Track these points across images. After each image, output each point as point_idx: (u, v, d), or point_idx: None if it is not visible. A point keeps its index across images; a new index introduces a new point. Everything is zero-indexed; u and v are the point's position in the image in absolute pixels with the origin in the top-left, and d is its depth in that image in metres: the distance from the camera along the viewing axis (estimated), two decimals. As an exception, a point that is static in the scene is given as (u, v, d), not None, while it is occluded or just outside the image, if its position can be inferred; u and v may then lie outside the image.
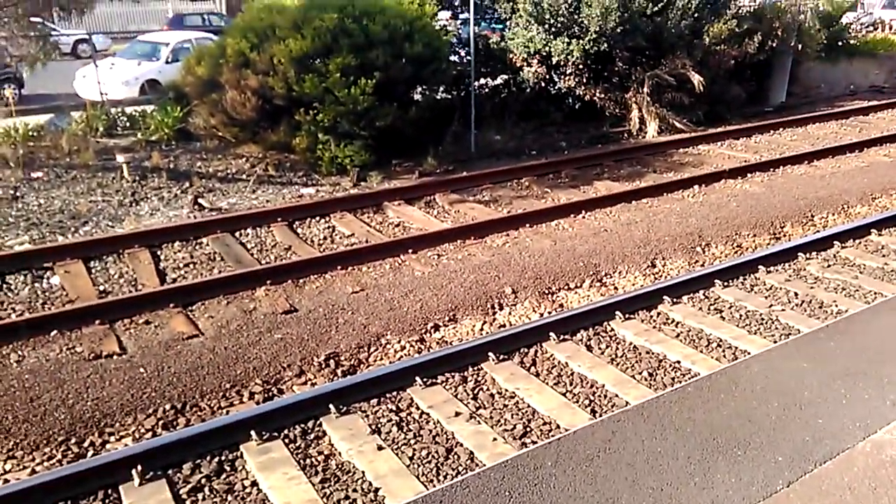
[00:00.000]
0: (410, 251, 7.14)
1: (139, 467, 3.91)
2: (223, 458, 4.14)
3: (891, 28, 24.02)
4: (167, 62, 14.93)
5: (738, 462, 3.06)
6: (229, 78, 9.76)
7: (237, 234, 7.75)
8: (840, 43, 16.97)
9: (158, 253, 7.24)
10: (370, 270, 6.78)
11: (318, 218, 8.24)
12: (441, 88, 11.68)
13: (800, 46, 14.07)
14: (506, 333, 5.37)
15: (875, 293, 5.94)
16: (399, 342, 5.59)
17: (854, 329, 4.38)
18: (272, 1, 10.62)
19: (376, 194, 8.96)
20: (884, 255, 6.79)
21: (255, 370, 5.12)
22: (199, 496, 3.86)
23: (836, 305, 5.78)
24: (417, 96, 10.96)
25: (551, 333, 5.39)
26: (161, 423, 4.56)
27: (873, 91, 15.85)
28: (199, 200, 8.62)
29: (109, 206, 8.46)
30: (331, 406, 4.49)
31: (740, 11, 13.09)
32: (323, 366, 5.24)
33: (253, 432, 4.24)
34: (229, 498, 3.85)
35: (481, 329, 5.85)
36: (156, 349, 5.30)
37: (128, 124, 11.26)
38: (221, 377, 5.02)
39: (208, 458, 4.12)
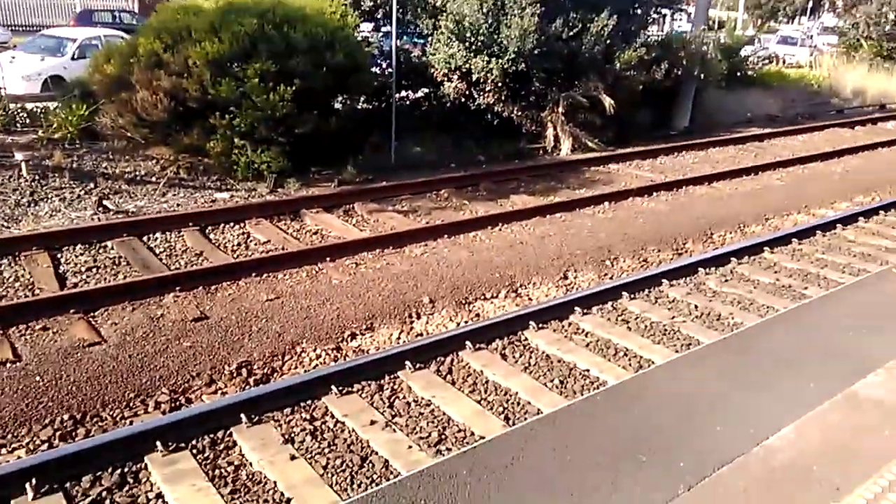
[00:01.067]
0: (328, 259, 7.07)
1: (33, 481, 3.68)
2: (126, 470, 3.96)
3: (784, 62, 25.95)
4: (73, 58, 14.20)
5: (643, 468, 3.20)
6: (141, 78, 9.39)
7: (145, 238, 7.44)
8: (739, 74, 18.19)
9: (59, 256, 6.86)
10: (286, 278, 6.67)
11: (232, 224, 8.04)
12: (362, 99, 11.67)
13: (703, 75, 14.96)
14: (423, 342, 5.41)
15: (768, 307, 6.36)
16: (315, 350, 5.52)
17: (749, 341, 4.68)
18: (188, 2, 10.32)
19: (294, 201, 8.82)
20: (776, 272, 7.28)
21: (161, 379, 4.93)
22: (99, 511, 3.68)
23: (733, 318, 6.15)
24: (338, 105, 10.91)
25: (467, 342, 5.46)
26: (58, 434, 4.31)
27: (768, 119, 17.01)
28: (105, 202, 8.23)
29: (6, 206, 7.94)
30: (242, 416, 4.38)
31: (649, 40, 13.80)
32: (234, 374, 5.10)
33: (158, 443, 4.07)
34: (132, 512, 3.68)
35: (398, 338, 5.86)
36: (53, 357, 5.00)
37: (28, 121, 10.61)
38: (125, 386, 4.80)
39: (109, 470, 3.93)
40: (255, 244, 7.61)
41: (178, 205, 8.57)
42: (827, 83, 21.31)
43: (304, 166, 9.98)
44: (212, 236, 7.73)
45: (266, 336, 5.59)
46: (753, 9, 54.17)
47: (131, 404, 4.68)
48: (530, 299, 6.72)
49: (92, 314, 5.69)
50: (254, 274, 6.63)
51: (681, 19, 20.97)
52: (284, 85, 9.09)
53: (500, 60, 11.29)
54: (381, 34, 12.95)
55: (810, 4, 38.67)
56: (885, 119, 17.94)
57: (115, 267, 6.74)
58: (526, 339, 5.74)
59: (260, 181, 9.46)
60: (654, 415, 3.65)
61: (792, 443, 3.35)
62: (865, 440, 3.33)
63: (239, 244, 7.58)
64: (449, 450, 4.13)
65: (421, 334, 5.90)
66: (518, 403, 4.81)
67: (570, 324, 6.03)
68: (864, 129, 16.47)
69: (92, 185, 8.72)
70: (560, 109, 12.30)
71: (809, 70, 23.58)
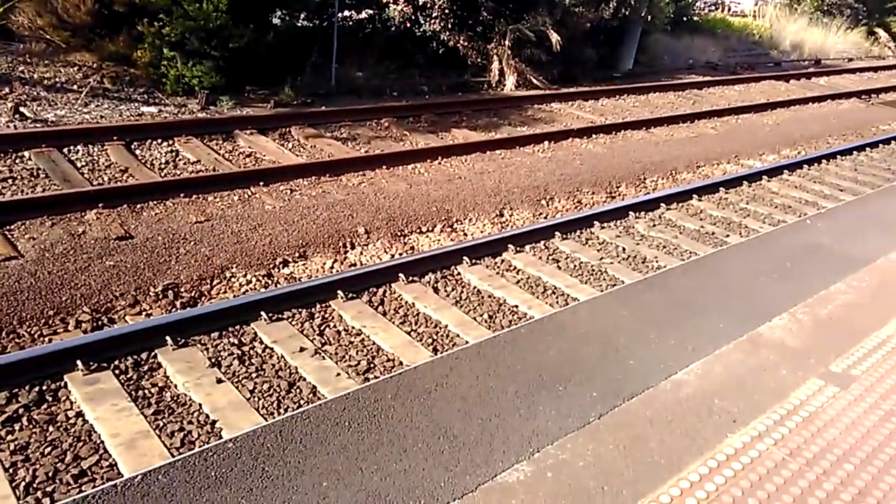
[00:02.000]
0: (261, 184, 6.90)
1: (-58, 398, 3.56)
2: (44, 388, 3.88)
3: (729, 10, 26.19)
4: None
5: (559, 397, 3.36)
6: (61, -26, 8.71)
7: (65, 150, 7.06)
8: (685, 18, 18.28)
9: (-32, 164, 6.44)
10: (217, 201, 6.49)
11: (160, 140, 7.70)
12: (303, 15, 11.17)
13: (650, 17, 14.96)
14: (356, 272, 5.41)
15: (690, 252, 6.63)
16: (245, 276, 5.45)
17: (668, 283, 4.89)
18: None
19: (227, 120, 8.50)
20: (701, 219, 7.56)
21: (83, 298, 4.78)
22: (16, 426, 3.61)
23: (657, 261, 6.39)
24: (277, 20, 10.42)
25: (400, 274, 5.50)
26: (-31, 351, 4.16)
27: (708, 67, 17.25)
28: (21, 109, 7.72)
29: None
30: (167, 338, 4.32)
31: (600, -24, 13.63)
32: (160, 297, 5.00)
33: (79, 362, 3.99)
34: (51, 429, 3.63)
35: (332, 267, 5.84)
36: (-36, 271, 4.77)
37: (-69, 13, 9.72)
38: (44, 303, 4.64)
39: (27, 388, 3.84)
40: (185, 163, 7.34)
41: (101, 116, 8.13)
42: (768, 34, 21.69)
43: (239, 84, 9.58)
44: (138, 152, 7.40)
45: (194, 259, 5.47)
46: (705, -47, 54.09)
47: (50, 322, 4.54)
48: (465, 235, 6.78)
49: (7, 227, 5.42)
50: (182, 195, 6.42)
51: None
52: (220, -6, 8.60)
53: (449, -14, 10.98)
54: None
55: (760, -47, 38.87)
56: (819, 74, 18.48)
57: (32, 179, 6.40)
58: (459, 273, 5.82)
59: (191, 97, 9.05)
60: (574, 348, 3.81)
61: (698, 377, 3.57)
62: (764, 378, 3.58)
63: (167, 162, 7.29)
64: (377, 377, 4.21)
65: (354, 265, 5.90)
66: (447, 336, 4.91)
67: (502, 261, 6.14)
68: (798, 83, 16.94)
69: (7, 90, 8.14)
70: (507, 42, 12.13)
71: (753, 20, 23.89)
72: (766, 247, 5.74)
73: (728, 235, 7.11)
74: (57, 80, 8.81)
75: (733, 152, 10.22)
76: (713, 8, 22.24)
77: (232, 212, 6.31)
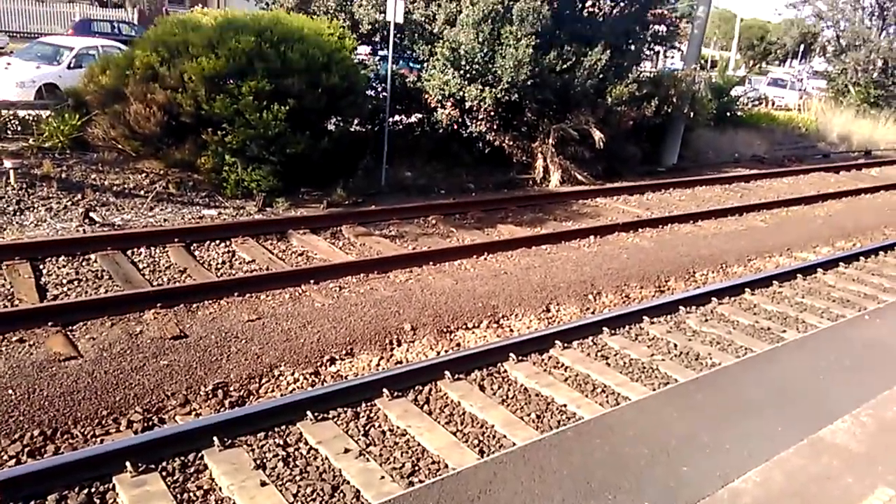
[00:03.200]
0: (312, 282, 7.08)
1: (-3, 498, 3.64)
2: (93, 489, 3.92)
3: (773, 104, 26.42)
4: (69, 67, 14.20)
5: (610, 505, 3.23)
6: (135, 90, 9.44)
7: (129, 252, 7.43)
8: (728, 114, 18.49)
9: (41, 267, 6.83)
10: (269, 299, 6.67)
11: (218, 241, 8.04)
12: (356, 121, 11.77)
13: (692, 114, 15.21)
14: (402, 370, 5.41)
15: (746, 348, 6.42)
16: (293, 374, 5.51)
17: (722, 382, 4.72)
18: (187, 17, 10.42)
19: (281, 221, 8.85)
20: (755, 314, 7.36)
21: (136, 397, 4.90)
22: (63, 530, 3.64)
23: (711, 358, 6.20)
24: (331, 126, 10.99)
25: (446, 372, 5.47)
26: (27, 449, 4.26)
27: (755, 160, 17.26)
28: (91, 214, 8.22)
29: (-11, 213, 7.92)
30: (214, 438, 4.35)
31: (641, 76, 14.06)
32: (210, 396, 5.08)
33: (128, 463, 4.04)
34: (96, 533, 3.64)
35: (378, 364, 5.86)
36: (28, 370, 4.96)
37: (19, 128, 10.61)
38: (98, 403, 4.77)
39: (76, 489, 3.89)
40: (240, 263, 7.61)
41: (164, 220, 8.58)
42: (814, 127, 21.70)
43: (295, 186, 10.02)
44: (197, 253, 7.73)
45: (245, 357, 5.58)
46: (746, 49, 55.28)
47: (103, 422, 4.64)
48: (511, 331, 6.74)
49: (70, 328, 5.66)
50: (236, 293, 6.63)
51: (673, 57, 21.33)
52: (279, 104, 9.17)
53: (494, 90, 11.44)
54: (377, 58, 13.10)
55: (801, 48, 39.53)
56: (870, 165, 18.25)
57: (97, 280, 6.72)
58: (505, 370, 5.76)
59: (249, 199, 9.49)
60: (624, 451, 3.68)
61: (756, 485, 3.39)
62: (828, 486, 3.37)
63: (224, 262, 7.58)
64: (422, 481, 4.12)
65: (400, 362, 5.90)
66: (493, 436, 4.81)
67: (550, 357, 6.06)
68: (848, 174, 16.74)
69: (79, 197, 8.71)
70: (551, 141, 12.45)
71: (798, 113, 24.01)
72: (825, 343, 5.53)
73: (784, 331, 6.88)
74: (126, 186, 9.39)
75: (785, 245, 10.04)
76: (757, 103, 22.47)
77: (283, 309, 6.45)
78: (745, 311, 7.44)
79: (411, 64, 13.77)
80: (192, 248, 7.81)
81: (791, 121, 22.04)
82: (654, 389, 5.42)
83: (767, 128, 19.99)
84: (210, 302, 6.44)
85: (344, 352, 5.92)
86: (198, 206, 9.21)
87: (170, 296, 6.34)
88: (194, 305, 6.33)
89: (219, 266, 7.47)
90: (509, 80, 11.30)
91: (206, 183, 9.70)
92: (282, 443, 4.51)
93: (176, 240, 7.80)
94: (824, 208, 12.66)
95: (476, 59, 11.42)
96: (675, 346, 6.44)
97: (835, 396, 4.37)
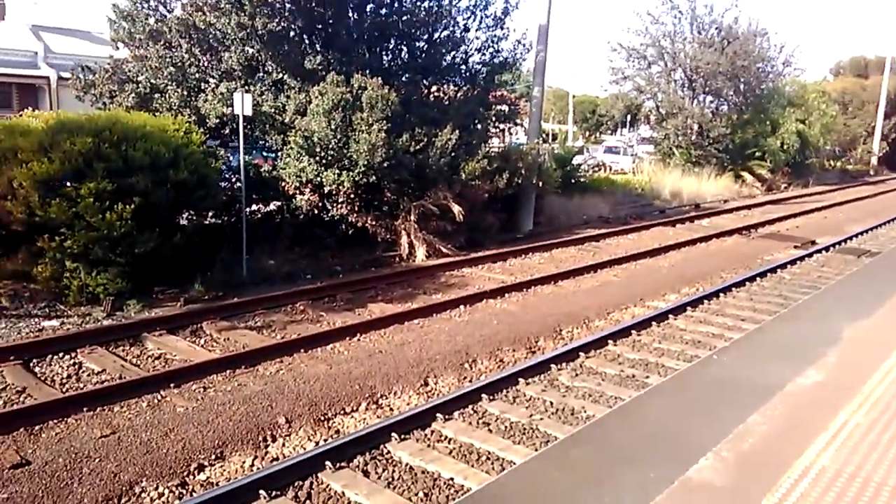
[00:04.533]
0: (172, 385, 6.60)
1: None
2: None
3: (611, 169, 28.78)
4: None
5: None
6: (-45, 201, 8.63)
7: (-46, 377, 6.58)
8: (573, 180, 19.88)
9: None
10: (124, 410, 6.12)
11: (61, 354, 7.34)
12: (210, 213, 11.41)
13: (541, 183, 16.23)
14: (278, 467, 5.10)
15: (615, 397, 6.69)
16: (156, 489, 5.02)
17: (597, 435, 4.86)
18: (13, 122, 9.77)
19: (134, 325, 8.26)
20: (620, 363, 7.73)
21: (-34, 544, 4.24)
22: None
23: (585, 411, 6.39)
24: (184, 221, 10.58)
25: (327, 462, 5.23)
26: None
27: (602, 221, 18.57)
28: None
29: None
30: (66, 576, 3.83)
31: (490, 152, 14.90)
32: (59, 528, 4.50)
33: None
34: None
35: (252, 465, 5.49)
36: None
37: None
38: (-83, 559, 4.07)
39: None
40: (89, 375, 6.97)
41: (-3, 337, 7.73)
42: (649, 187, 23.81)
43: (147, 286, 9.45)
44: (38, 370, 7.00)
45: (99, 478, 5.03)
46: (581, 122, 60.35)
47: (-76, 580, 3.96)
48: (392, 409, 6.61)
49: None
50: (86, 409, 6.03)
51: (517, 133, 22.83)
52: (123, 203, 8.72)
53: (352, 173, 11.61)
54: (229, 150, 12.92)
55: (629, 118, 43.72)
56: (700, 217, 20.21)
57: (-88, 414, 5.86)
58: (389, 452, 5.60)
59: (96, 305, 8.81)
60: (513, 520, 3.65)
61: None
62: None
63: (69, 376, 6.90)
64: (308, 585, 3.83)
65: (277, 458, 5.57)
66: (381, 523, 4.61)
67: (432, 431, 5.97)
68: (683, 226, 18.41)
69: None
70: (413, 217, 12.72)
71: (633, 175, 26.28)
72: (683, 385, 5.88)
73: (647, 377, 7.26)
74: (-52, 304, 8.42)
75: (638, 296, 10.74)
76: (596, 169, 24.41)
77: (140, 420, 5.93)
78: (610, 361, 7.79)
79: (265, 153, 13.71)
80: (31, 364, 7.06)
81: (628, 183, 24.07)
82: (536, 450, 5.48)
83: (609, 191, 21.67)
84: (55, 422, 5.81)
85: (213, 456, 5.51)
86: (37, 318, 8.41)
87: (5, 421, 5.64)
88: (37, 428, 5.67)
89: (63, 381, 6.79)
90: (365, 163, 11.52)
91: (46, 292, 8.92)
92: (147, 569, 4.05)
93: (12, 358, 7.03)
94: (667, 259, 13.76)
95: (330, 146, 11.57)
96: (552, 403, 6.59)
97: (696, 436, 4.62)
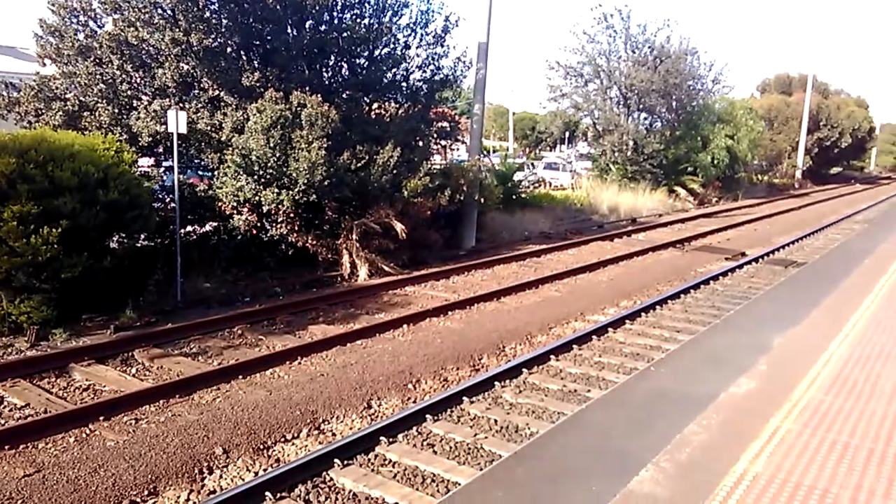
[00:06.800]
0: (101, 418, 6.29)
1: None
2: None
3: (550, 185, 29.28)
4: None
5: None
6: None
7: None
8: (514, 196, 20.11)
9: None
10: (49, 447, 5.79)
11: (-20, 389, 6.92)
12: (143, 236, 11.02)
13: (482, 199, 16.35)
14: (214, 501, 4.91)
15: (558, 413, 6.73)
16: (83, 530, 4.76)
17: (541, 451, 4.88)
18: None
19: (60, 355, 7.86)
20: (562, 378, 7.80)
21: None
22: None
23: (529, 428, 6.41)
24: (114, 244, 10.17)
25: (267, 493, 5.07)
26: None
27: (543, 236, 18.82)
28: None
29: None
30: None
31: (432, 169, 14.93)
32: (-26, 578, 4.20)
33: None
34: None
35: (187, 500, 5.27)
36: None
37: None
38: None
39: None
40: (11, 410, 6.59)
41: None
42: (587, 202, 24.31)
43: (75, 313, 9.03)
44: (-48, 406, 6.57)
45: (20, 522, 4.73)
46: (521, 139, 61.32)
47: None
48: (334, 434, 6.48)
49: None
50: (7, 447, 5.69)
51: (459, 149, 22.98)
52: (49, 226, 8.32)
53: (291, 192, 11.42)
54: (162, 169, 12.54)
55: (567, 134, 44.63)
56: (637, 231, 20.73)
57: None
58: (331, 478, 5.48)
59: (19, 335, 8.36)
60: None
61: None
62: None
63: (-12, 412, 6.50)
64: None
65: (214, 492, 5.37)
66: (324, 554, 4.48)
67: (376, 455, 5.88)
68: (621, 240, 18.83)
69: None
70: (354, 236, 12.61)
71: (572, 191, 26.79)
72: (623, 397, 5.98)
73: (589, 390, 7.34)
74: None
75: (578, 310, 10.89)
76: (537, 185, 24.78)
77: (67, 456, 5.63)
78: (553, 377, 7.85)
79: (200, 172, 13.36)
80: (-55, 401, 6.63)
81: (567, 198, 24.51)
82: (481, 470, 5.44)
83: (549, 206, 22.01)
84: (-29, 463, 5.44)
85: (146, 492, 5.27)
86: (-48, 351, 7.91)
87: (-85, 464, 5.26)
88: (-50, 471, 5.30)
89: (-18, 417, 6.39)
90: (305, 181, 11.36)
91: (-38, 323, 8.41)
92: None
93: (-77, 395, 6.58)
94: (606, 273, 14.03)
95: (269, 164, 11.37)
96: (496, 421, 6.58)
97: (637, 447, 4.70)
